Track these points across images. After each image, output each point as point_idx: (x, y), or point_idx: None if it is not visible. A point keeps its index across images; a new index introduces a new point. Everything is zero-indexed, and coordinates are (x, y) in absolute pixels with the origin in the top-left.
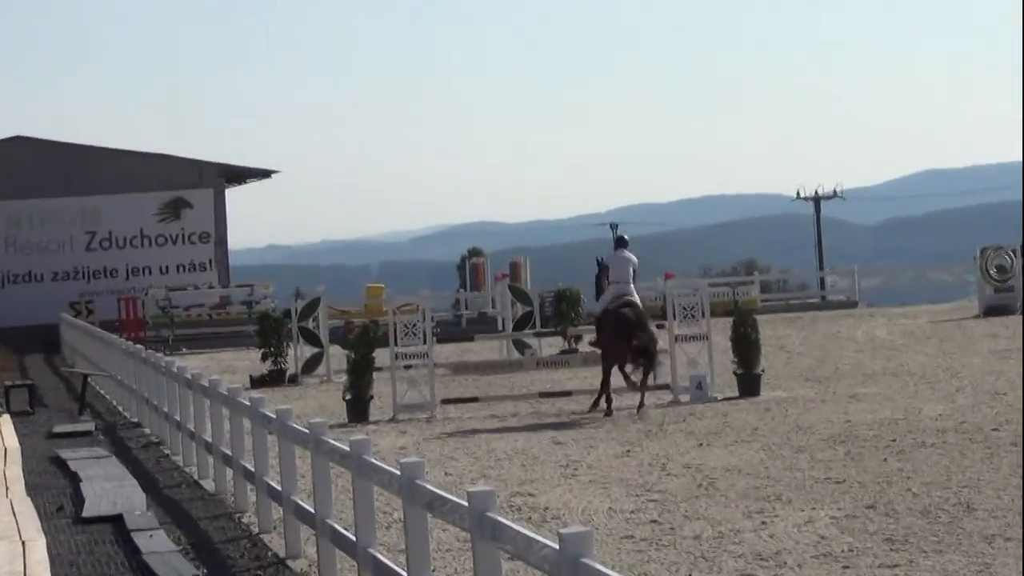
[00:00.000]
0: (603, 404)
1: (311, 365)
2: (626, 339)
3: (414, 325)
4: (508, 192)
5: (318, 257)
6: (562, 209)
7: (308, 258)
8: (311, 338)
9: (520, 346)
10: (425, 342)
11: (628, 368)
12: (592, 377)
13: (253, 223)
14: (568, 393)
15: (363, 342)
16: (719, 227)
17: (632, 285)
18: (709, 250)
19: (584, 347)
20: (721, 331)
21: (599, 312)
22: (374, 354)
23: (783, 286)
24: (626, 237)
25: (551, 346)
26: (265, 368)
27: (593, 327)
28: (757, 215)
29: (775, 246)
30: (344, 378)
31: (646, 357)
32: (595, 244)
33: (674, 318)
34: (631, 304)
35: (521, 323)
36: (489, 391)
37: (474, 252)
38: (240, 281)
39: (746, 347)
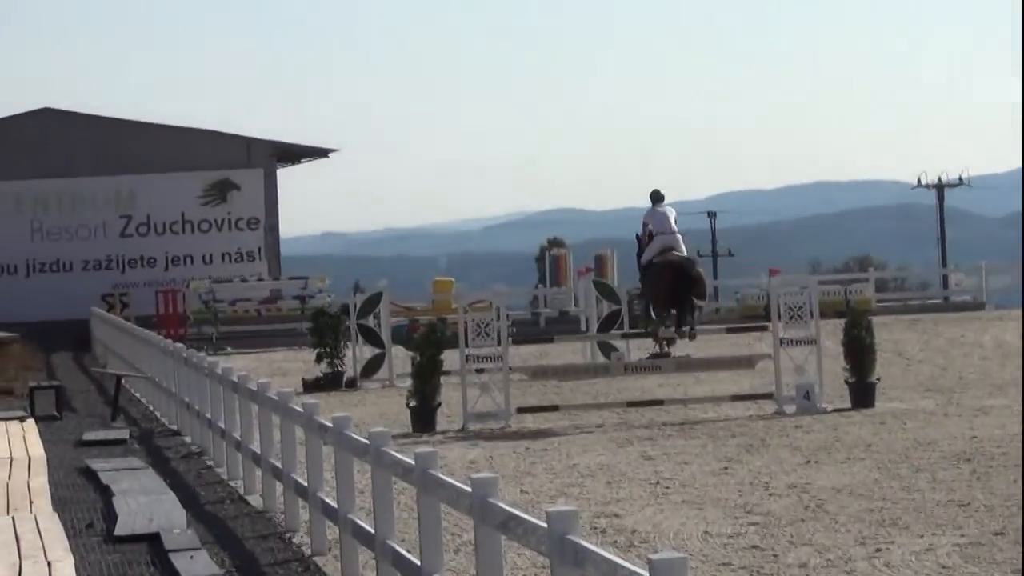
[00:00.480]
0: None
1: (371, 368)
2: (675, 279)
3: (487, 324)
4: (593, 177)
5: (380, 247)
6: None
7: (368, 248)
8: (372, 337)
9: (606, 349)
10: (499, 343)
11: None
12: (687, 384)
13: (308, 208)
14: (659, 402)
15: (429, 343)
16: (830, 217)
17: (678, 236)
18: (818, 243)
19: (677, 348)
20: (831, 334)
21: (643, 264)
22: (442, 356)
23: (901, 285)
24: (662, 191)
25: (640, 349)
26: (320, 370)
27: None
28: (872, 204)
29: (892, 239)
30: (408, 383)
31: (694, 289)
32: (691, 237)
33: (779, 319)
34: (680, 255)
35: (607, 323)
36: (571, 399)
37: (555, 243)
38: (292, 273)
39: (859, 353)
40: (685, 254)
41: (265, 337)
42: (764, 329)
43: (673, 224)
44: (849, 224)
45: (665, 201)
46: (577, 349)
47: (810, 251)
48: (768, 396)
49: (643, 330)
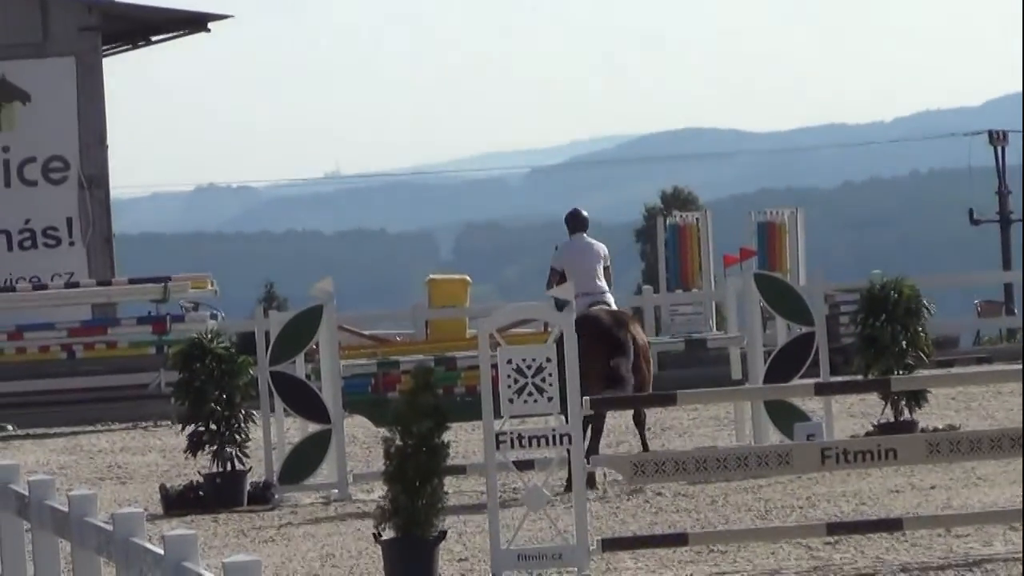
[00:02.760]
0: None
1: (302, 462)
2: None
3: (539, 369)
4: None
5: (318, 214)
6: (870, 105)
7: (295, 215)
8: (303, 400)
9: (785, 415)
10: (565, 409)
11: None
12: (944, 482)
13: (168, 141)
14: (894, 525)
15: (420, 410)
16: None
17: (603, 282)
18: None
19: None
20: None
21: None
22: (446, 438)
23: None
24: (584, 213)
25: (857, 414)
26: (198, 469)
27: None
28: None
29: None
30: (377, 493)
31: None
32: (952, 179)
33: None
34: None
35: (787, 361)
36: (711, 519)
37: (676, 199)
38: (139, 271)
39: None
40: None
41: (84, 403)
42: None
43: (598, 269)
44: None
45: (586, 231)
46: (721, 416)
47: None
48: None
49: (864, 377)
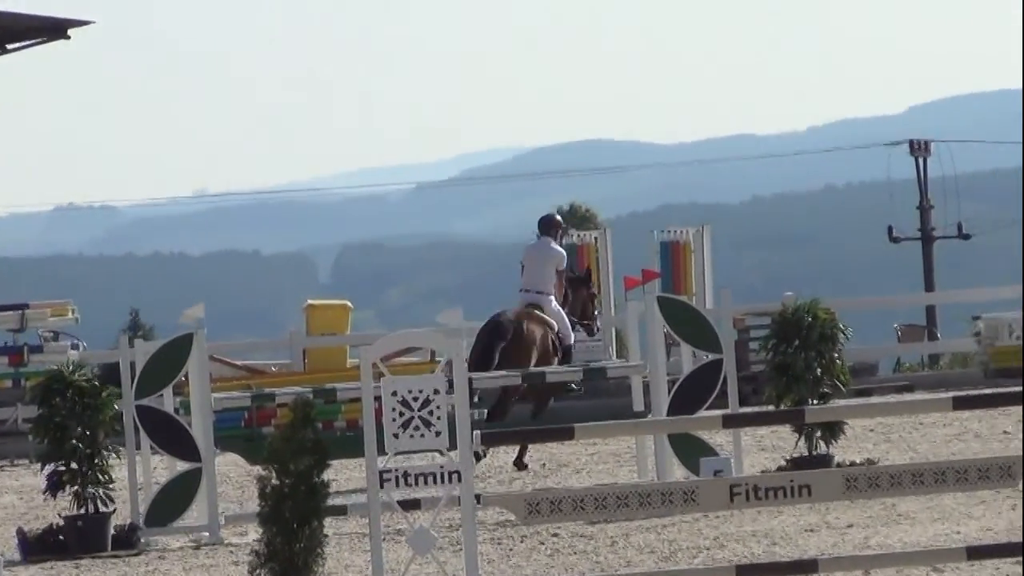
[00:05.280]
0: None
1: (171, 503)
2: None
3: (426, 400)
4: (655, 86)
5: (185, 234)
6: (782, 114)
7: (159, 235)
8: (170, 437)
9: (689, 449)
10: (453, 443)
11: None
12: (863, 522)
13: (25, 156)
14: (808, 567)
15: (298, 447)
16: None
17: (549, 297)
18: None
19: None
20: None
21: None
22: (326, 477)
23: None
24: (558, 217)
25: (768, 448)
26: (58, 512)
27: None
28: None
29: None
30: (251, 536)
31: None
32: (870, 193)
33: None
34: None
35: (694, 389)
36: (613, 563)
37: (573, 216)
38: None
39: None
40: (545, 317)
41: None
42: None
43: (548, 274)
44: None
45: (560, 232)
46: (622, 451)
47: None
48: None
49: (775, 408)
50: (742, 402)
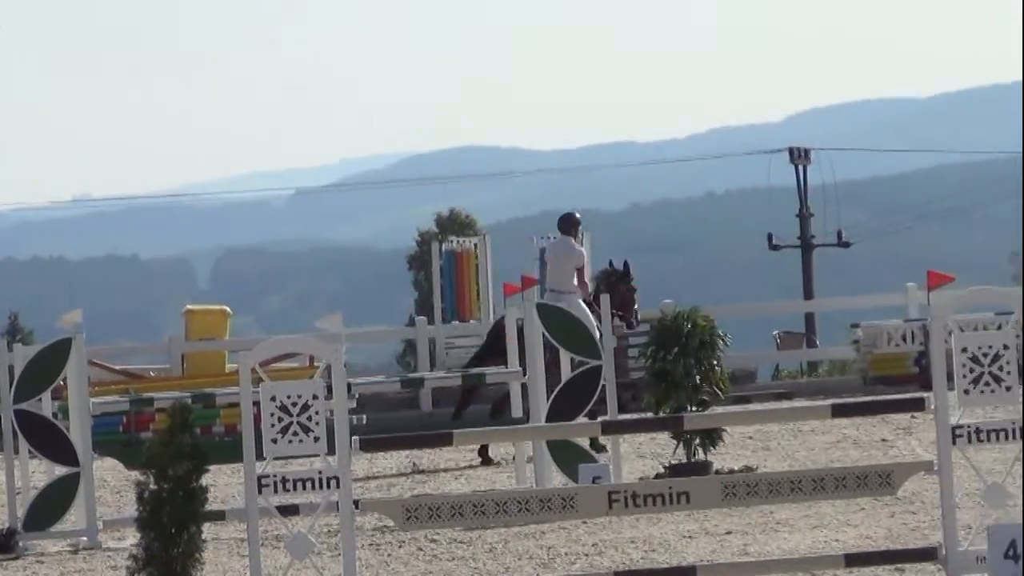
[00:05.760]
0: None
1: (51, 507)
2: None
3: (304, 405)
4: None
5: (63, 238)
6: (662, 121)
7: (38, 239)
8: (49, 442)
9: (570, 455)
10: (332, 449)
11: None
12: (746, 529)
13: None
14: (691, 574)
15: (176, 452)
16: None
17: (572, 295)
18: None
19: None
20: None
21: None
22: (204, 482)
23: None
24: (577, 215)
25: (647, 455)
26: None
27: None
28: None
29: None
30: (130, 541)
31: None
32: (750, 201)
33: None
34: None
35: (573, 396)
36: (494, 570)
37: (453, 223)
38: None
39: None
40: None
41: None
42: (918, 408)
43: (569, 273)
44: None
45: (579, 226)
46: (506, 456)
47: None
48: (926, 555)
49: (655, 414)
50: (621, 409)
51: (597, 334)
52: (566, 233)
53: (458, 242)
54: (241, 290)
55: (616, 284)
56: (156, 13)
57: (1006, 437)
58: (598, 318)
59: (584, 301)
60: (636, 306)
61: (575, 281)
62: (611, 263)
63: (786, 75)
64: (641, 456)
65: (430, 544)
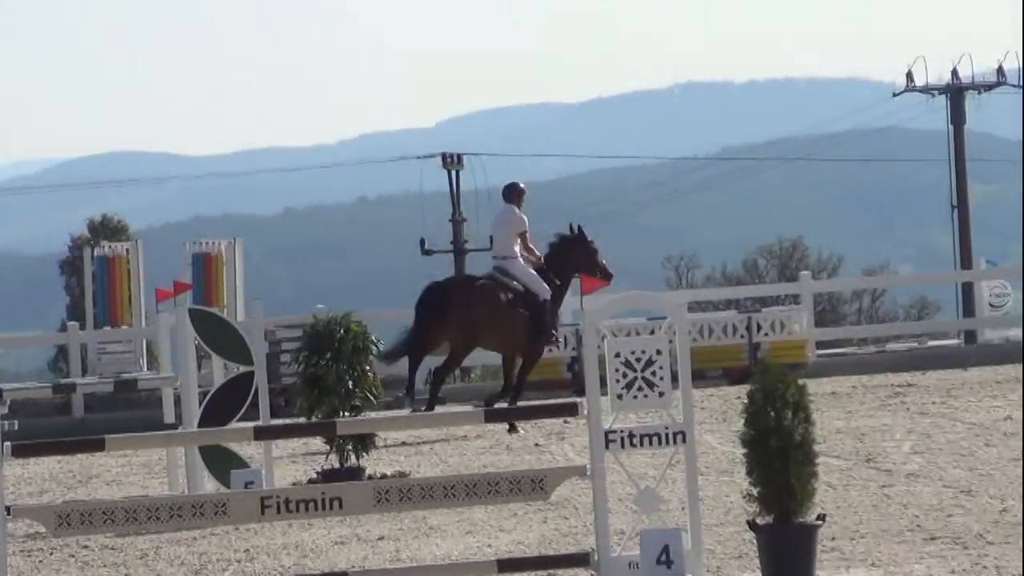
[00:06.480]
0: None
1: None
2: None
3: None
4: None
5: None
6: (314, 127)
7: None
8: None
9: (221, 462)
10: None
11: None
12: (398, 535)
13: None
14: None
15: None
16: (724, 162)
17: (514, 260)
18: (710, 210)
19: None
20: (720, 419)
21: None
22: None
23: (873, 306)
24: (521, 185)
25: (300, 460)
26: None
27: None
28: (815, 125)
29: (855, 204)
30: None
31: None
32: (403, 206)
33: (603, 387)
34: (490, 279)
35: (226, 401)
36: (149, 575)
37: (105, 227)
38: None
39: (778, 460)
40: (508, 282)
41: None
42: (571, 413)
43: (513, 241)
44: (765, 177)
45: (523, 196)
46: (153, 463)
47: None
48: (579, 560)
49: (305, 420)
50: (274, 414)
51: (547, 296)
52: (509, 201)
53: (110, 247)
54: None
55: (575, 248)
56: None
57: (659, 442)
58: (552, 284)
59: (537, 269)
60: (603, 261)
61: (517, 248)
62: (572, 229)
63: (439, 80)
64: (294, 461)
65: (82, 550)
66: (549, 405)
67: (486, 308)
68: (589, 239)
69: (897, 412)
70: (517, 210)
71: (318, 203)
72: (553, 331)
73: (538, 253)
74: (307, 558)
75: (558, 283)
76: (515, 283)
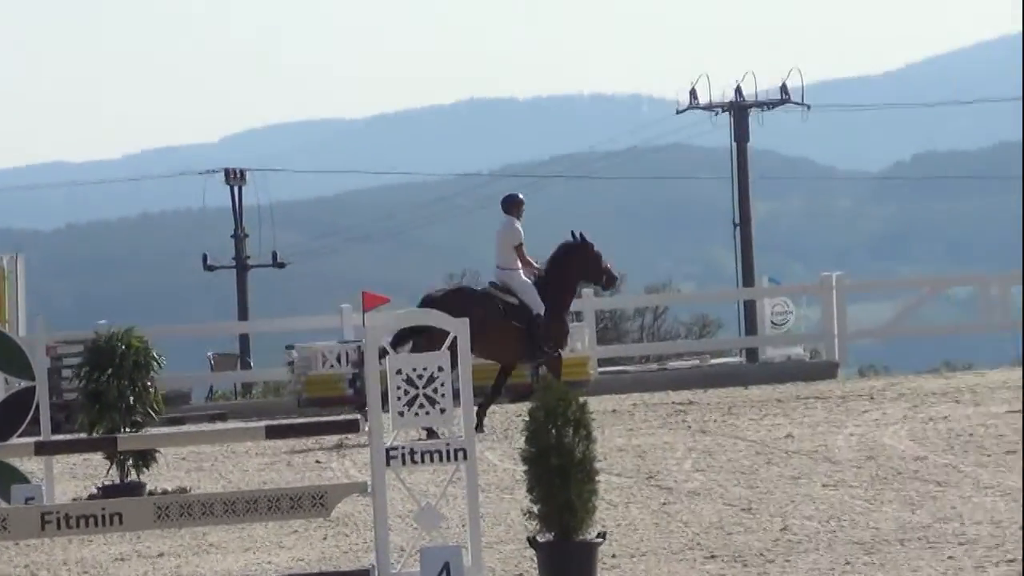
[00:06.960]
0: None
1: None
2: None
3: None
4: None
5: None
6: (95, 142)
7: None
8: None
9: (2, 476)
10: None
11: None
12: (180, 553)
13: None
14: None
15: None
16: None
17: (514, 271)
18: (480, 233)
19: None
20: (501, 438)
21: None
22: None
23: (655, 323)
24: (520, 196)
25: (80, 476)
26: None
27: None
28: (599, 142)
29: (635, 220)
30: None
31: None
32: (187, 221)
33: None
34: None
35: (7, 417)
36: None
37: None
38: None
39: (558, 478)
40: (511, 300)
41: None
42: (352, 429)
43: (511, 255)
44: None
45: (522, 207)
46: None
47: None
48: None
49: (85, 435)
50: (55, 429)
51: (540, 311)
52: (508, 213)
53: None
54: None
55: (578, 255)
56: None
57: (440, 459)
58: (552, 296)
59: (537, 279)
60: (607, 265)
61: (515, 258)
62: (574, 236)
63: (224, 94)
64: (75, 477)
65: None
66: (330, 422)
67: (475, 320)
68: (592, 245)
69: (678, 430)
70: (516, 222)
71: (101, 218)
72: (558, 338)
73: (536, 265)
74: (87, 574)
75: (560, 294)
76: (510, 296)
